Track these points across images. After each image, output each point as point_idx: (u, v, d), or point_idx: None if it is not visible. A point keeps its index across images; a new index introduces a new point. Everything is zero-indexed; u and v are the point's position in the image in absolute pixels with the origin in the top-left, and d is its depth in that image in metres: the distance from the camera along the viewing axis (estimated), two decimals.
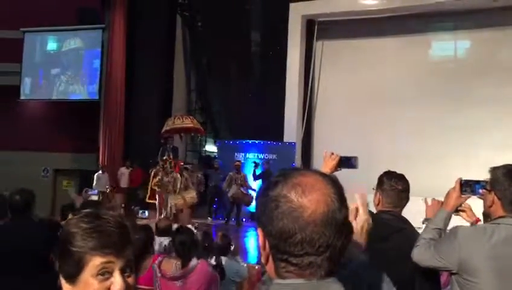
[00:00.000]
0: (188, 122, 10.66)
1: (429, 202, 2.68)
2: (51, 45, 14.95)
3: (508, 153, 9.47)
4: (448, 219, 2.32)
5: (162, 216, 9.33)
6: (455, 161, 10.31)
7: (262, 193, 1.00)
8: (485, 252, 1.98)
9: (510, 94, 10.95)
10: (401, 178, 2.59)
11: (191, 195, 9.97)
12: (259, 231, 1.00)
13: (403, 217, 2.60)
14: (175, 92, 15.13)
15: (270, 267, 1.00)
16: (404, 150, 11.59)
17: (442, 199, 2.42)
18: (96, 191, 12.14)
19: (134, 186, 12.66)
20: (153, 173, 10.26)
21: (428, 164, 10.74)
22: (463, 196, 2.29)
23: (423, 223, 2.66)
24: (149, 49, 14.15)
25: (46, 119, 15.02)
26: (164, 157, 10.20)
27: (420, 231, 2.47)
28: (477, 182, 2.25)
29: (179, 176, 10.14)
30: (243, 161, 11.94)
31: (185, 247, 3.47)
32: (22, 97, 14.96)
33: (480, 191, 2.22)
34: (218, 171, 11.79)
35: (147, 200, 10.73)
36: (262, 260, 1.02)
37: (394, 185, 2.54)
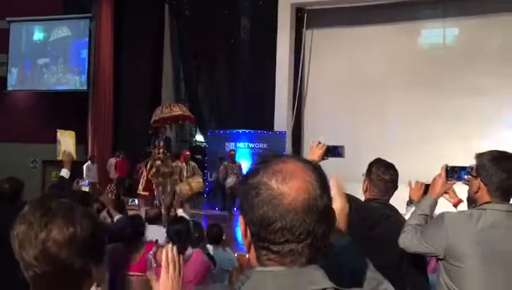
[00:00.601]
0: (177, 110, 10.43)
1: (413, 184, 2.70)
2: (38, 35, 14.75)
3: (496, 141, 9.59)
4: (434, 205, 2.34)
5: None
6: (444, 148, 10.37)
7: (244, 180, 0.99)
8: (471, 238, 2.00)
9: (499, 83, 11.00)
10: (390, 168, 2.61)
11: (197, 180, 9.88)
12: (241, 218, 0.99)
13: (390, 205, 2.62)
14: (164, 82, 15.05)
15: (252, 255, 0.99)
16: (394, 138, 11.66)
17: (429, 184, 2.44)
18: (87, 182, 12.07)
19: (122, 176, 12.58)
20: (148, 165, 10.02)
21: (417, 152, 10.80)
22: (449, 182, 2.31)
23: (407, 205, 2.70)
24: (137, 39, 14.04)
25: (33, 110, 14.86)
26: (155, 145, 10.02)
27: (406, 216, 2.49)
28: (463, 168, 2.27)
29: (184, 165, 10.15)
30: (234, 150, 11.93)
31: (180, 236, 3.49)
32: (9, 88, 14.79)
33: (466, 177, 2.23)
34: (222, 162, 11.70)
35: (141, 192, 10.43)
36: (245, 248, 1.01)
37: (381, 176, 2.56)
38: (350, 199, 2.77)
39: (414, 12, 12.26)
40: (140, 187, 10.34)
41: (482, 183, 2.10)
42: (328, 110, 12.57)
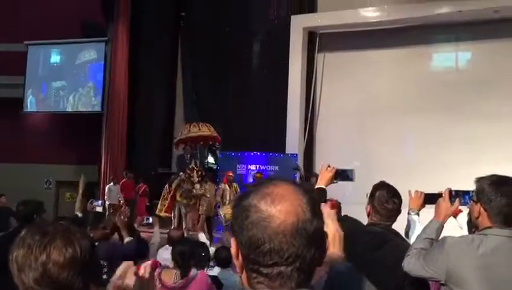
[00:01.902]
0: (205, 130, 10.25)
1: (412, 193, 2.72)
2: (54, 58, 15.09)
3: (507, 167, 9.46)
4: (441, 229, 2.31)
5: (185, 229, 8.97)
6: (455, 172, 10.25)
7: (236, 202, 1.00)
8: (472, 263, 1.97)
9: (508, 109, 10.93)
10: (393, 196, 2.59)
11: None
12: (233, 240, 1.00)
13: (393, 229, 2.61)
14: (177, 104, 15.20)
15: (244, 277, 1.00)
16: (405, 161, 11.58)
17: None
18: (100, 203, 12.08)
19: (129, 197, 12.37)
20: (175, 185, 9.76)
21: (428, 175, 10.68)
22: (454, 205, 2.29)
23: (408, 213, 2.68)
24: (152, 62, 14.28)
25: (49, 132, 15.09)
26: (191, 166, 9.73)
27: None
28: (467, 192, 2.26)
29: (227, 186, 9.83)
30: (244, 173, 11.91)
31: (184, 257, 3.49)
32: (25, 110, 15.06)
33: (470, 201, 2.22)
34: None
35: (161, 214, 10.01)
36: (237, 270, 1.02)
37: (384, 205, 2.56)
38: (352, 222, 2.77)
39: (426, 36, 12.29)
40: (162, 208, 10.03)
41: (482, 209, 2.07)
42: (340, 133, 12.55)
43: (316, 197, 1.01)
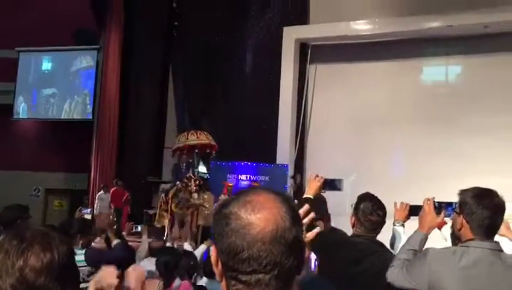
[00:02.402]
0: (204, 139, 10.07)
1: (398, 204, 2.73)
2: (46, 65, 15.04)
3: (497, 179, 9.58)
4: (424, 240, 2.32)
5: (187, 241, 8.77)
6: (445, 184, 10.30)
7: (217, 210, 1.01)
8: (453, 275, 1.98)
9: (502, 121, 11.04)
10: (377, 208, 2.60)
11: None
12: (213, 248, 1.01)
13: (377, 241, 2.61)
14: (168, 113, 15.19)
15: (223, 285, 1.00)
16: (395, 172, 11.64)
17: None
18: (89, 210, 12.02)
19: (117, 206, 12.36)
20: (171, 194, 9.52)
21: (418, 188, 10.73)
22: (438, 217, 2.30)
23: (394, 225, 2.68)
24: (143, 71, 14.28)
25: (38, 139, 15.00)
26: (188, 175, 9.53)
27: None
28: (450, 204, 2.26)
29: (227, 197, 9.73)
30: (234, 183, 11.89)
31: (167, 267, 3.46)
32: (15, 116, 14.98)
33: (452, 213, 2.22)
34: None
35: (158, 224, 9.79)
36: (217, 278, 1.02)
37: (368, 217, 2.57)
38: (337, 234, 2.78)
39: (417, 50, 12.41)
40: (160, 219, 9.77)
41: (464, 221, 2.08)
42: (331, 145, 12.59)
43: (295, 206, 1.01)
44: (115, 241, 4.15)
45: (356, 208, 2.63)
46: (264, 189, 1.01)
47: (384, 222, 2.61)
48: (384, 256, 2.44)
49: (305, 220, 1.39)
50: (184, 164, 9.85)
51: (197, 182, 9.45)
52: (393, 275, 2.18)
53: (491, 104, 11.26)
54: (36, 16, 14.03)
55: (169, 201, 9.50)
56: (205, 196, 9.61)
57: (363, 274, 2.33)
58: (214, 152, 11.18)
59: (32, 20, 14.09)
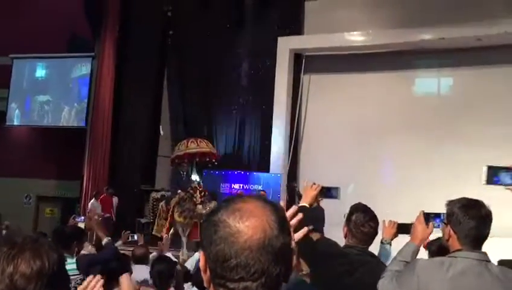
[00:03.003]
0: (204, 147, 9.90)
1: (386, 223, 2.75)
2: (40, 72, 15.00)
3: (488, 190, 9.59)
4: (416, 252, 2.33)
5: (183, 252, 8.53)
6: (437, 195, 10.37)
7: (206, 217, 1.02)
8: (442, 285, 2.00)
9: (492, 133, 11.14)
10: (369, 219, 2.60)
11: None
12: (201, 254, 1.01)
13: (369, 252, 2.62)
14: (162, 122, 15.18)
15: None
16: (388, 183, 11.68)
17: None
18: (83, 218, 11.89)
19: (107, 213, 12.21)
20: (174, 203, 9.30)
21: (411, 198, 10.79)
22: (429, 228, 2.31)
23: (381, 242, 2.69)
24: (138, 79, 14.27)
25: (31, 146, 14.92)
26: (194, 186, 9.33)
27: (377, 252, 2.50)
28: (437, 215, 2.28)
29: None
30: (227, 192, 11.87)
31: (162, 277, 3.44)
32: (8, 123, 14.89)
33: (441, 224, 2.24)
34: None
35: (159, 233, 9.49)
36: (205, 284, 1.02)
37: (360, 228, 2.57)
38: (329, 245, 2.78)
39: (410, 61, 12.52)
40: (160, 228, 9.56)
41: (452, 231, 2.11)
42: (324, 154, 12.62)
43: (284, 214, 1.03)
44: (105, 240, 4.10)
45: (348, 219, 2.63)
46: (253, 197, 1.03)
47: (376, 233, 2.62)
48: (376, 268, 2.45)
49: (293, 222, 1.40)
50: (184, 173, 9.65)
51: (203, 193, 9.27)
52: (383, 286, 2.20)
53: (483, 115, 11.37)
54: (30, 23, 14.00)
55: (171, 210, 9.28)
56: (211, 205, 9.38)
57: (355, 286, 2.35)
58: (214, 160, 10.99)
59: (26, 27, 14.06)
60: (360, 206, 2.68)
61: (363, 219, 2.58)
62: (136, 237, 10.45)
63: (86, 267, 3.60)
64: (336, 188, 2.63)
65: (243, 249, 0.93)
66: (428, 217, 2.31)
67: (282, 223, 0.98)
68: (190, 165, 11.26)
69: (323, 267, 2.53)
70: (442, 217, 2.25)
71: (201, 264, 1.01)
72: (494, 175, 2.24)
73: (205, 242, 0.99)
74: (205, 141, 10.22)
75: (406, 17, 11.78)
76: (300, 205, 2.63)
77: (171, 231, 9.67)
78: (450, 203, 2.15)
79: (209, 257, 0.98)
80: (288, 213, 1.37)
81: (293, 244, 1.31)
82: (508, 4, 10.97)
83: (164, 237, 9.34)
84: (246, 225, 0.95)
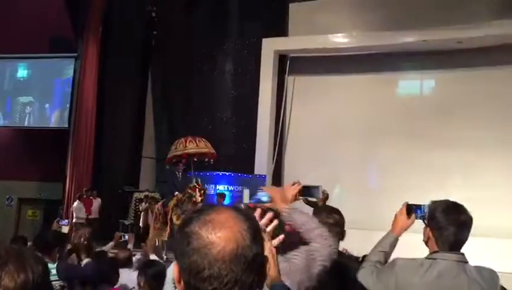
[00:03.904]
0: (203, 147, 9.46)
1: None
2: (21, 73, 14.79)
3: (471, 191, 9.82)
4: (395, 243, 2.35)
5: None
6: (420, 196, 10.48)
7: (179, 229, 1.03)
8: (419, 285, 2.03)
9: (473, 135, 11.31)
10: (334, 212, 2.64)
11: None
12: (175, 265, 1.02)
13: (339, 251, 2.62)
14: (146, 122, 15.09)
15: None
16: (372, 184, 11.78)
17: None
18: (66, 222, 11.77)
19: (90, 215, 12.13)
20: (172, 205, 8.90)
21: (394, 199, 10.89)
22: (409, 219, 2.33)
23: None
24: (122, 79, 14.16)
25: (12, 147, 14.68)
26: (192, 185, 8.91)
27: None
28: (419, 206, 2.30)
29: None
30: (212, 193, 11.83)
31: (159, 279, 3.42)
32: None
33: (426, 215, 2.25)
34: None
35: (155, 240, 9.11)
36: None
37: (325, 220, 2.56)
38: None
39: (393, 63, 12.64)
40: (160, 233, 9.14)
41: (431, 233, 2.14)
42: (308, 155, 12.68)
43: (257, 223, 1.04)
44: (85, 261, 4.09)
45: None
46: (225, 207, 1.04)
47: (342, 231, 2.63)
48: (345, 267, 2.47)
49: (269, 229, 1.41)
50: (180, 173, 9.36)
51: (202, 191, 8.94)
52: (363, 277, 2.23)
53: (464, 118, 11.53)
54: (11, 24, 13.79)
55: (169, 213, 8.90)
56: None
57: (326, 287, 2.37)
58: (211, 160, 10.47)
59: (7, 28, 13.84)
60: (323, 206, 2.77)
61: (327, 213, 2.64)
62: (127, 237, 10.32)
63: (67, 276, 3.59)
64: (317, 187, 2.61)
65: (215, 260, 0.95)
66: (411, 209, 2.32)
67: (255, 233, 1.00)
68: (187, 166, 10.83)
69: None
70: (422, 209, 2.27)
71: (175, 275, 1.02)
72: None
73: (178, 254, 1.00)
74: (203, 140, 9.78)
75: (390, 19, 11.91)
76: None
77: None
78: (433, 205, 2.18)
79: (182, 268, 0.99)
80: (264, 220, 1.38)
81: (269, 251, 1.32)
82: (488, 7, 11.16)
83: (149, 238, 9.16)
84: (218, 236, 0.96)
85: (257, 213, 1.41)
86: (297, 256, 1.98)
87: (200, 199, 8.70)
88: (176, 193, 9.05)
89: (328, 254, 2.03)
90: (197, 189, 8.79)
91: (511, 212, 10.17)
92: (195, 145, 9.40)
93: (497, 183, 10.82)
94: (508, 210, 10.12)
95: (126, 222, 12.84)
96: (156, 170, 14.81)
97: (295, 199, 2.55)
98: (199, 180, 8.99)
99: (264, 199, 2.43)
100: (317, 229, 2.06)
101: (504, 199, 10.42)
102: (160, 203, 9.49)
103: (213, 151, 9.76)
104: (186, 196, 8.88)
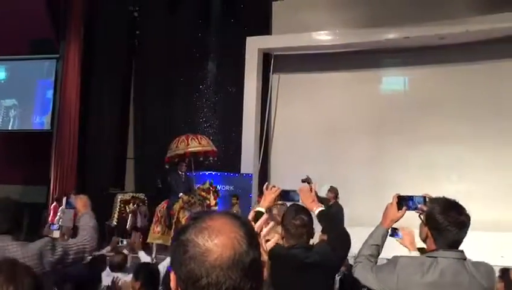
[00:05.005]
0: (206, 144, 9.07)
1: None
2: (1, 74, 14.54)
3: (455, 186, 9.94)
4: (386, 235, 2.37)
5: None
6: (406, 191, 10.57)
7: (175, 237, 1.01)
8: (421, 284, 2.05)
9: (457, 130, 11.45)
10: (301, 213, 2.63)
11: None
12: (172, 274, 1.01)
13: (310, 245, 2.65)
14: (131, 123, 14.97)
15: None
16: (357, 182, 11.83)
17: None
18: (56, 227, 11.58)
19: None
20: (178, 207, 8.44)
21: (379, 196, 10.97)
22: (399, 211, 2.32)
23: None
24: (105, 80, 14.04)
25: None
26: (206, 187, 8.49)
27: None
28: (411, 198, 2.30)
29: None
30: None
31: (153, 280, 3.42)
32: None
33: (419, 206, 2.25)
34: None
35: (154, 241, 8.77)
36: None
37: (293, 222, 2.59)
38: (279, 247, 2.81)
39: (376, 60, 12.74)
40: (159, 236, 8.78)
41: (429, 233, 2.15)
42: (294, 153, 12.71)
43: (253, 229, 1.04)
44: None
45: (282, 219, 2.68)
46: (220, 214, 1.03)
47: (311, 231, 2.65)
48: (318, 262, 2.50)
49: (264, 232, 1.39)
50: (183, 173, 8.87)
51: (217, 194, 8.56)
52: (360, 273, 2.25)
53: (447, 113, 11.67)
54: None
55: (176, 215, 8.40)
56: (233, 209, 8.74)
57: (299, 285, 2.38)
58: (211, 158, 10.07)
59: None
60: (292, 205, 2.74)
61: (295, 213, 2.65)
62: (125, 242, 10.13)
63: (57, 280, 3.56)
64: (295, 191, 2.63)
65: (213, 267, 0.93)
66: (402, 201, 2.32)
67: (251, 238, 0.99)
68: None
69: (275, 268, 2.58)
70: (414, 200, 2.27)
71: (172, 284, 1.00)
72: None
73: (175, 263, 0.98)
74: (204, 137, 9.41)
75: (372, 17, 11.98)
76: (257, 209, 2.61)
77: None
78: (431, 203, 2.18)
79: (180, 278, 0.97)
80: (258, 223, 1.37)
81: (264, 255, 1.31)
82: (469, 4, 11.30)
83: (136, 234, 8.87)
84: (215, 243, 0.95)
85: (250, 216, 1.40)
86: None
87: (214, 202, 8.37)
88: (181, 194, 8.58)
89: None
90: (211, 191, 8.47)
91: (497, 205, 10.31)
92: (197, 143, 9.02)
93: (482, 177, 10.99)
94: (493, 204, 10.26)
95: (112, 224, 12.74)
96: (135, 170, 14.69)
97: (274, 203, 2.56)
98: (212, 181, 8.65)
99: (296, 198, 2.51)
100: None
101: (487, 192, 10.57)
102: (162, 206, 9.01)
103: (215, 148, 9.40)
104: (198, 198, 8.47)
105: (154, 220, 9.07)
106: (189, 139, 9.00)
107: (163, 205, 8.97)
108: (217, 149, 9.65)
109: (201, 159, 9.74)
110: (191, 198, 8.47)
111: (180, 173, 8.85)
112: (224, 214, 1.02)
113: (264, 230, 1.38)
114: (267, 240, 1.42)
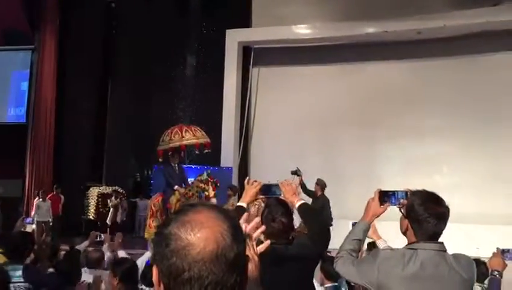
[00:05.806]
0: (200, 136, 8.71)
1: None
2: None
3: (436, 179, 10.10)
4: (367, 229, 2.37)
5: None
6: (387, 183, 10.70)
7: (158, 230, 0.99)
8: (400, 277, 2.05)
9: (435, 124, 11.61)
10: (279, 213, 2.61)
11: None
12: (154, 268, 0.98)
13: (290, 241, 2.64)
14: (108, 116, 14.77)
15: None
16: (338, 175, 11.90)
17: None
18: (30, 220, 11.37)
19: (55, 214, 11.66)
20: (174, 200, 8.15)
21: (361, 189, 11.08)
22: (382, 206, 2.32)
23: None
24: (82, 71, 13.79)
25: None
26: (204, 179, 8.18)
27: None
28: (393, 193, 2.31)
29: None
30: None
31: (131, 276, 3.38)
32: None
33: (401, 201, 2.25)
34: None
35: (152, 236, 8.73)
36: None
37: (272, 225, 2.55)
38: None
39: (356, 54, 12.79)
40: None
41: (409, 225, 2.16)
42: (274, 146, 12.72)
43: (238, 223, 1.01)
44: (50, 270, 3.99)
45: (262, 213, 2.65)
46: (204, 207, 1.00)
47: (288, 229, 2.64)
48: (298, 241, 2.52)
49: (256, 234, 1.37)
50: (176, 165, 8.52)
51: (215, 185, 8.26)
52: (342, 267, 2.25)
53: (426, 106, 11.82)
54: None
55: (172, 209, 8.04)
56: (231, 201, 8.52)
57: (284, 279, 2.38)
58: (206, 149, 9.49)
59: None
60: (270, 200, 2.71)
61: (272, 207, 2.64)
62: (103, 237, 9.93)
63: (32, 280, 3.52)
64: (276, 185, 2.61)
65: (195, 261, 0.91)
66: (385, 196, 2.33)
67: (235, 232, 0.97)
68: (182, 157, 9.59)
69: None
70: (396, 195, 2.28)
71: (155, 278, 0.98)
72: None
73: (157, 256, 0.96)
74: (198, 128, 9.01)
75: (351, 10, 12.03)
76: (238, 204, 2.61)
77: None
78: (412, 196, 2.19)
79: (162, 272, 0.95)
80: (251, 225, 1.34)
81: (255, 257, 1.29)
82: None
83: (118, 234, 8.74)
84: (198, 237, 0.93)
85: (243, 219, 1.36)
86: None
87: (212, 193, 8.12)
88: (176, 187, 8.32)
89: None
90: (210, 182, 8.17)
91: (474, 198, 10.49)
92: (192, 135, 8.66)
93: (460, 169, 11.20)
94: (471, 196, 10.44)
95: (87, 218, 12.62)
96: (107, 163, 14.52)
97: (255, 197, 2.54)
98: (210, 172, 8.38)
99: (278, 192, 2.48)
100: None
101: (465, 184, 10.77)
102: (157, 199, 8.67)
103: (208, 140, 9.07)
104: (196, 190, 8.23)
105: (149, 214, 8.77)
106: (183, 131, 8.64)
107: (157, 199, 8.67)
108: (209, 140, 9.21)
109: (197, 152, 9.56)
110: (188, 190, 8.25)
111: (172, 165, 8.50)
112: (208, 207, 1.00)
113: (255, 233, 1.35)
114: (261, 242, 1.40)
